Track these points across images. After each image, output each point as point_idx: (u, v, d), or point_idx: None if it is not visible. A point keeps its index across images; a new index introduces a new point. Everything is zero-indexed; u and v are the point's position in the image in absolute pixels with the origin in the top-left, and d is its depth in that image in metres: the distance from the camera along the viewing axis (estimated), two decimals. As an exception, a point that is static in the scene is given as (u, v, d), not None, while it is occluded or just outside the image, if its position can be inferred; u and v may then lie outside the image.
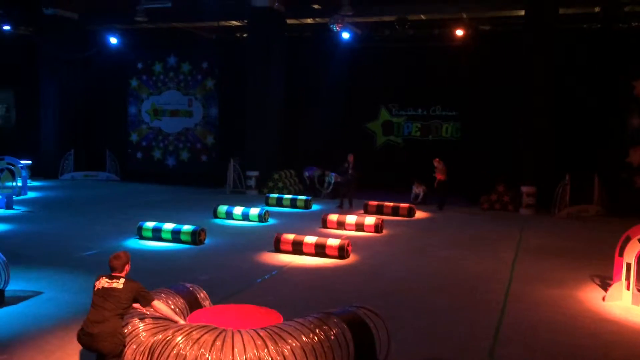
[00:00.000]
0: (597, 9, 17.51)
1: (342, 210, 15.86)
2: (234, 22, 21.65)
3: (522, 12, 17.41)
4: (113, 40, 22.59)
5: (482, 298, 7.90)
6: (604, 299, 7.93)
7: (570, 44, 18.13)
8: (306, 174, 19.32)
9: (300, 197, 16.99)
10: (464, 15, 19.01)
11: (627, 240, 7.75)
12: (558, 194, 16.06)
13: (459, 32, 19.07)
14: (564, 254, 10.94)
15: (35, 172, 22.58)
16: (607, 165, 17.52)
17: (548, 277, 9.13)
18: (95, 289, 4.85)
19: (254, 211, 13.94)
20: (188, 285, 6.09)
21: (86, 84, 23.95)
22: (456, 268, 9.63)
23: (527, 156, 16.97)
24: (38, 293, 7.67)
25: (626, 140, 18.01)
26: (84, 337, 4.66)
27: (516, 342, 6.30)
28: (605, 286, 8.48)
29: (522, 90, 17.13)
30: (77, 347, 5.59)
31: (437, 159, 16.77)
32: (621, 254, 7.83)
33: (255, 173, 19.74)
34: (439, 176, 16.63)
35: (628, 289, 7.79)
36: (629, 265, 7.75)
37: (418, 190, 17.89)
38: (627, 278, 7.78)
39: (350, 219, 13.05)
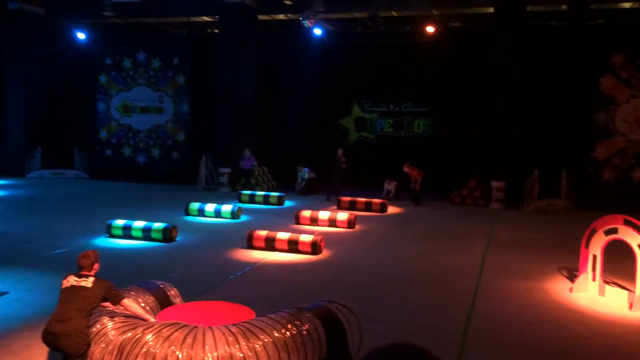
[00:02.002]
0: (564, 7, 17.86)
1: (330, 202, 16.25)
2: (205, 18, 21.45)
3: (492, 9, 17.65)
4: (81, 36, 22.17)
5: (453, 291, 8.01)
6: (570, 290, 8.11)
7: (538, 41, 18.45)
8: (242, 163, 19.14)
9: (273, 193, 16.96)
10: (435, 12, 19.19)
11: (593, 232, 7.94)
12: (527, 189, 16.35)
13: (430, 29, 19.24)
14: (532, 247, 11.14)
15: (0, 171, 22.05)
16: (574, 160, 17.90)
17: (517, 269, 9.29)
18: (63, 287, 4.76)
19: (227, 208, 13.87)
20: (159, 282, 6.02)
21: (53, 80, 23.45)
22: (428, 262, 9.73)
23: (496, 151, 17.23)
24: (4, 293, 7.49)
25: (592, 135, 18.43)
26: (47, 337, 4.57)
27: (486, 334, 6.40)
28: (572, 278, 8.67)
29: (492, 86, 17.37)
30: (43, 347, 5.47)
31: (406, 165, 16.88)
32: (587, 246, 8.02)
33: (227, 170, 19.64)
34: (413, 175, 16.73)
35: (594, 280, 7.99)
36: (594, 257, 7.94)
37: (390, 186, 18.01)
38: (593, 269, 7.98)
39: (323, 214, 13.08)
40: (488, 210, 16.38)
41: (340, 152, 17.36)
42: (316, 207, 14.74)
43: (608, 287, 7.91)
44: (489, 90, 17.53)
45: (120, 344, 4.64)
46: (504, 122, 17.19)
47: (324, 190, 18.24)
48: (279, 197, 16.49)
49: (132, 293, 5.53)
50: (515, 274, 8.98)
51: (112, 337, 4.70)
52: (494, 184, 16.79)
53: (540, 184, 16.45)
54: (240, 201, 16.69)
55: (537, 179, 16.43)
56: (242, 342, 4.56)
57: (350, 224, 12.83)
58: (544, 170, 16.70)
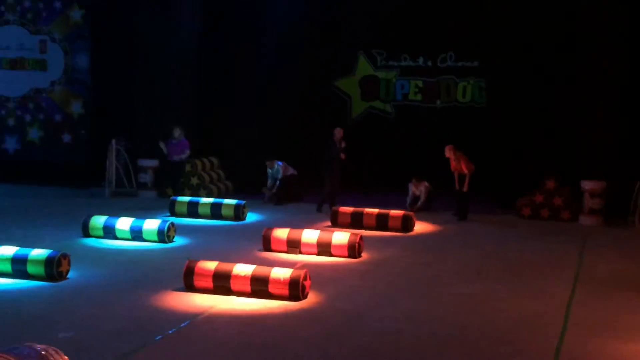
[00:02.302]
0: None
1: (322, 215, 16.54)
2: None
3: None
4: None
5: (521, 359, 8.00)
6: None
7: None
8: (166, 150, 19.14)
9: (227, 201, 16.92)
10: None
11: None
12: (638, 193, 16.41)
13: None
14: (649, 287, 11.21)
15: None
16: None
17: (624, 325, 9.29)
18: None
19: (152, 225, 13.84)
20: (39, 347, 5.98)
21: None
22: (480, 313, 9.71)
23: (591, 135, 17.35)
24: None
25: None
26: None
27: None
28: None
29: (588, 33, 17.45)
30: None
31: (449, 147, 16.95)
32: None
33: (153, 163, 19.53)
34: (459, 170, 16.78)
35: None
36: None
37: (418, 190, 18.04)
38: None
39: (309, 235, 13.06)
40: (576, 227, 16.45)
41: (338, 134, 17.35)
42: (298, 224, 14.67)
43: None
44: (584, 40, 17.62)
45: None
46: (605, 91, 17.31)
47: (311, 196, 18.20)
48: (238, 208, 16.48)
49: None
50: (621, 332, 8.97)
51: None
52: (587, 185, 16.88)
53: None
54: (174, 214, 16.68)
55: (656, 177, 16.55)
56: None
57: (354, 250, 12.81)
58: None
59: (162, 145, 19.09)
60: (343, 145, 17.32)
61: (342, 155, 17.20)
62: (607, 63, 17.30)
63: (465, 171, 16.70)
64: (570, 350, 8.31)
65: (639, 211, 16.41)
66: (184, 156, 19.28)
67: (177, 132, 19.17)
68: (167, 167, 19.42)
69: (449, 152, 16.87)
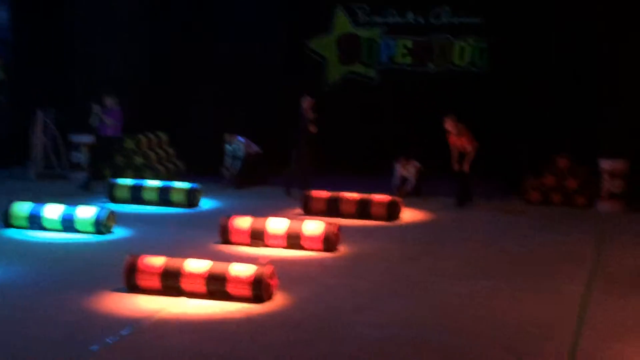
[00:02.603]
0: None
1: (292, 200, 16.64)
2: None
3: None
4: None
5: (527, 371, 8.05)
6: None
7: None
8: (95, 123, 18.51)
9: (178, 184, 16.94)
10: None
11: None
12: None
13: None
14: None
15: None
16: None
17: (650, 328, 9.41)
18: None
19: (86, 213, 13.81)
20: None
21: None
22: (482, 316, 9.76)
23: (613, 107, 17.52)
24: None
25: None
26: None
27: None
28: None
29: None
30: None
31: (450, 118, 16.98)
32: None
33: (87, 139, 19.45)
34: (459, 146, 16.81)
35: None
36: None
37: (406, 171, 18.07)
38: None
39: (276, 225, 13.07)
40: (593, 214, 16.60)
41: (306, 103, 17.31)
42: (262, 211, 14.67)
43: None
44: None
45: None
46: (629, 56, 17.42)
47: (278, 178, 18.18)
48: (190, 192, 16.50)
49: None
50: (647, 337, 9.09)
51: None
52: (606, 165, 16.99)
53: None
54: (114, 200, 16.68)
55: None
56: None
57: (329, 243, 12.84)
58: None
59: (97, 110, 18.52)
60: (312, 116, 17.27)
61: (312, 128, 17.18)
62: (628, 27, 17.41)
63: (468, 148, 16.72)
64: (585, 358, 8.36)
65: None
66: (114, 129, 18.61)
67: (109, 101, 18.54)
68: (99, 144, 18.93)
69: (449, 124, 16.87)
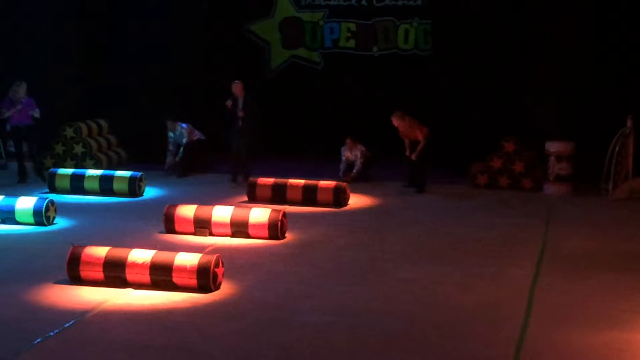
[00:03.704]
0: None
1: (238, 187, 16.61)
2: None
3: None
4: None
5: (477, 355, 8.11)
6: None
7: None
8: (3, 110, 17.83)
9: (120, 172, 16.83)
10: None
11: None
12: (613, 157, 16.72)
13: None
14: (624, 266, 11.41)
15: None
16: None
17: (595, 310, 9.49)
18: None
19: (26, 204, 13.68)
20: None
21: None
22: (429, 302, 9.81)
23: (559, 89, 17.65)
24: None
25: None
26: None
27: None
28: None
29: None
30: None
31: (397, 114, 17.04)
32: None
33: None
34: (410, 136, 16.87)
35: None
36: None
37: (352, 155, 18.10)
38: None
39: (221, 213, 13.05)
40: (541, 197, 16.76)
41: (238, 87, 17.42)
42: (207, 199, 14.64)
43: None
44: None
45: None
46: (576, 36, 17.58)
47: (222, 166, 18.13)
48: (133, 181, 16.40)
49: None
50: (592, 319, 9.16)
51: None
52: (552, 147, 17.14)
53: (638, 146, 16.89)
54: (55, 190, 16.54)
55: (632, 137, 16.85)
56: None
57: (276, 230, 12.84)
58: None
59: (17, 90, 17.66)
60: (230, 103, 17.39)
61: (241, 113, 17.20)
62: (575, 3, 17.58)
63: (420, 138, 16.80)
64: (534, 342, 8.44)
65: (614, 176, 16.71)
66: (36, 115, 18.14)
67: (23, 90, 17.74)
68: (16, 136, 18.40)
69: (397, 121, 16.96)
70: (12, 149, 19.36)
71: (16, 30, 19.64)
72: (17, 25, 19.76)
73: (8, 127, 18.68)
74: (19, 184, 17.28)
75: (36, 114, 17.66)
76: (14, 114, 17.73)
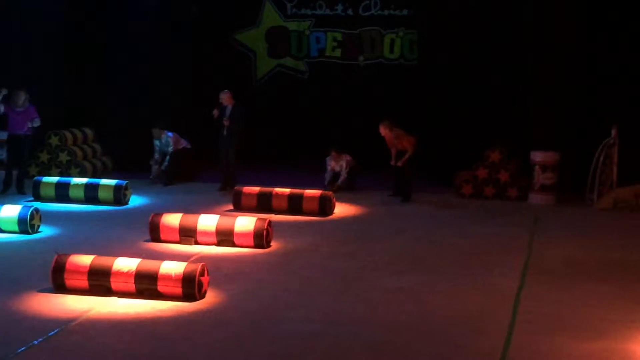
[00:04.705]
0: None
1: (225, 195, 16.58)
2: None
3: None
4: None
5: (461, 364, 8.13)
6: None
7: None
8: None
9: (105, 181, 16.79)
10: None
11: None
12: (598, 166, 16.79)
13: None
14: (608, 275, 11.48)
15: None
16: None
17: (579, 319, 9.52)
18: None
19: (10, 212, 13.64)
20: None
21: None
22: (414, 311, 9.81)
23: (543, 99, 17.71)
24: None
25: None
26: None
27: None
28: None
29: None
30: None
31: (385, 124, 17.10)
32: None
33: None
34: (397, 146, 16.90)
35: None
36: None
37: (338, 165, 18.11)
38: None
39: (206, 222, 13.03)
40: (526, 206, 16.81)
41: (227, 96, 17.41)
42: (193, 208, 14.62)
43: None
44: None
45: None
46: (559, 47, 17.65)
47: (208, 174, 18.12)
48: (118, 189, 16.36)
49: None
50: (577, 328, 9.18)
51: None
52: (537, 157, 17.20)
53: (623, 156, 16.96)
54: (40, 198, 16.49)
55: (617, 147, 16.92)
56: None
57: (261, 239, 12.82)
58: (630, 133, 17.15)
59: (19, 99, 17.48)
60: (216, 113, 17.48)
61: (225, 121, 17.27)
62: (559, 16, 17.65)
63: (407, 147, 16.83)
64: (519, 351, 8.46)
65: (598, 187, 16.79)
66: (35, 125, 18.04)
67: (22, 98, 17.49)
68: (11, 144, 17.86)
69: (384, 131, 17.00)
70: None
71: (9, 31, 19.59)
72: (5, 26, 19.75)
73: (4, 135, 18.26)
74: (2, 194, 17.06)
75: (35, 123, 17.43)
76: (12, 123, 17.46)
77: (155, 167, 18.95)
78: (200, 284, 10.07)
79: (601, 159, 16.79)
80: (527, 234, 14.13)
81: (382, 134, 17.02)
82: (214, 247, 12.85)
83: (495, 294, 10.51)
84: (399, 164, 16.92)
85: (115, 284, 10.08)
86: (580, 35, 17.85)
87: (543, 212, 16.16)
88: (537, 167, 17.18)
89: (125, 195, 16.36)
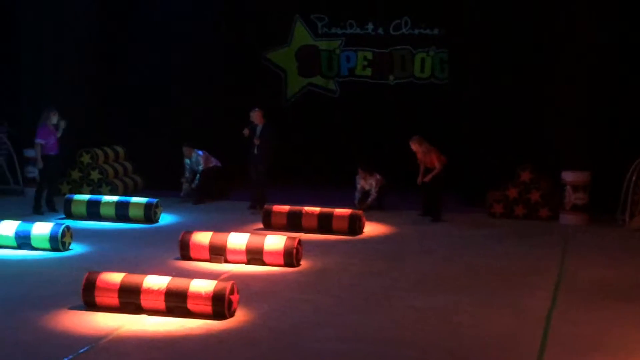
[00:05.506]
0: None
1: (255, 214, 16.60)
2: None
3: None
4: None
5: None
6: None
7: None
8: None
9: (135, 199, 16.89)
10: None
11: None
12: (630, 187, 16.69)
13: None
14: (642, 297, 11.44)
15: None
16: None
17: (612, 341, 9.45)
18: None
19: (42, 229, 13.70)
20: None
21: None
22: (443, 331, 9.79)
23: (575, 118, 17.63)
24: None
25: None
26: None
27: None
28: None
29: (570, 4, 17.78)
30: None
31: (415, 140, 17.08)
32: None
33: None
34: (427, 162, 16.89)
35: None
36: None
37: (367, 184, 18.11)
38: None
39: (236, 240, 13.05)
40: (557, 226, 16.73)
41: (257, 115, 17.48)
42: (223, 226, 14.65)
43: None
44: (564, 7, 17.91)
45: None
46: (591, 66, 17.58)
47: (239, 193, 18.16)
48: (148, 207, 16.45)
49: None
50: (609, 350, 9.12)
51: None
52: (569, 177, 17.11)
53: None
54: (71, 215, 16.59)
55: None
56: None
57: (291, 257, 12.83)
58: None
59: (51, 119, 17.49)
60: (247, 132, 17.53)
61: (256, 140, 17.37)
62: (590, 36, 17.60)
63: (437, 165, 16.80)
64: (550, 373, 8.44)
65: (630, 207, 16.70)
66: (54, 145, 17.48)
67: (55, 118, 17.58)
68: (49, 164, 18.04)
69: (415, 146, 16.97)
70: (31, 175, 19.33)
71: (44, 57, 19.76)
72: (42, 57, 19.90)
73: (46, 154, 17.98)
74: (35, 214, 17.06)
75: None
76: (54, 143, 17.44)
77: (185, 186, 19.03)
78: (230, 303, 10.09)
79: (633, 179, 16.70)
80: (558, 254, 14.05)
81: (413, 150, 16.99)
82: (243, 265, 12.87)
83: (526, 315, 10.46)
84: (426, 179, 16.89)
85: (145, 302, 10.12)
86: (612, 55, 17.78)
87: (574, 233, 16.06)
88: (568, 187, 17.08)
89: (155, 213, 16.45)
